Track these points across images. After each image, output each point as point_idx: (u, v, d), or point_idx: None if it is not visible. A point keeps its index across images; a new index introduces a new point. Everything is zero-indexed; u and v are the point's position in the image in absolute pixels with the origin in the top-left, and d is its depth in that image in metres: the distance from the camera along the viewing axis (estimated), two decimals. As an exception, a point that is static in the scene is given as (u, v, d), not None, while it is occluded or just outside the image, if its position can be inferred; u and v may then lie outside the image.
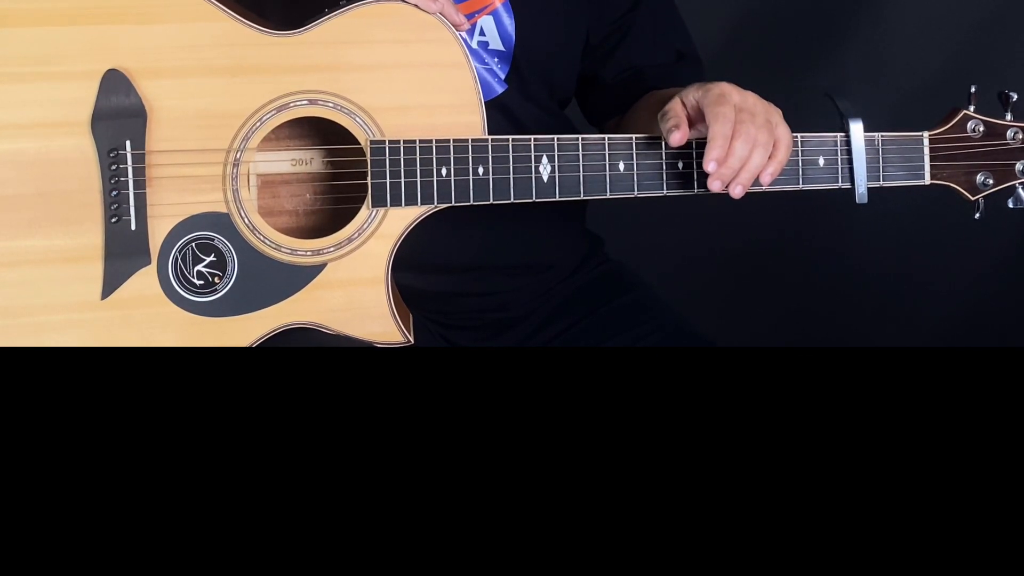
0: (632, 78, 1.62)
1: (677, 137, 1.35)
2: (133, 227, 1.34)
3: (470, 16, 1.51)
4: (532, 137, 1.39)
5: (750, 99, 1.35)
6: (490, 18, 1.54)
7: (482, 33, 1.54)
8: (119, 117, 1.32)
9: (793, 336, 2.52)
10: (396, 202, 1.37)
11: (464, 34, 1.42)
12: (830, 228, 2.51)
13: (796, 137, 1.40)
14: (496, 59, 1.55)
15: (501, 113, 1.52)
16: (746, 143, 1.33)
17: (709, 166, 1.33)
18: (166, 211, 1.35)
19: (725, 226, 2.48)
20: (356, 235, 1.38)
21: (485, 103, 1.40)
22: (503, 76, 1.55)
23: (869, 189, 1.42)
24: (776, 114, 1.37)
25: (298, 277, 1.38)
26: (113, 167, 1.33)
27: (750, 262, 2.57)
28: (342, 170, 1.42)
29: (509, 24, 1.55)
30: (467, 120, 1.38)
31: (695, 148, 1.39)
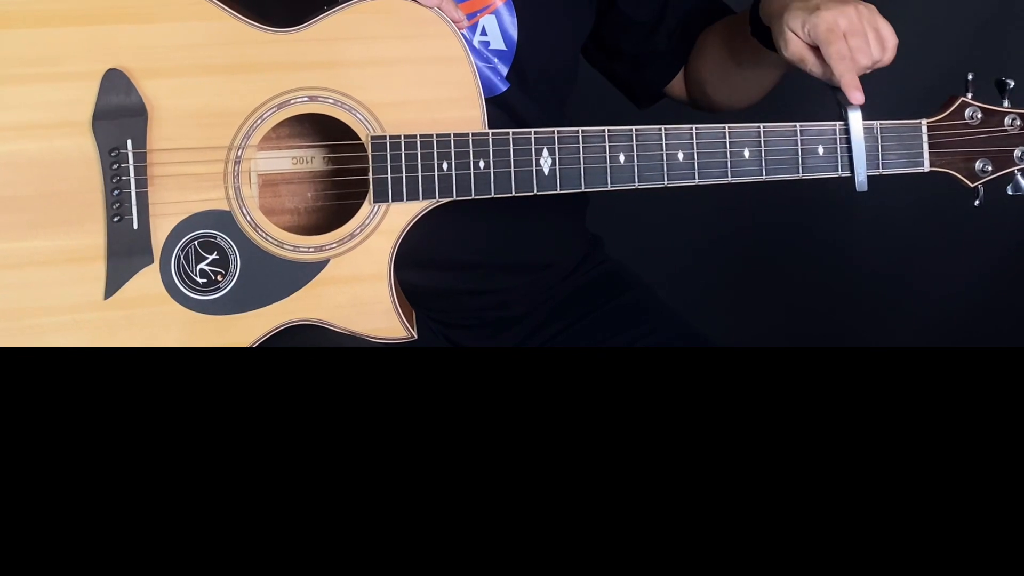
0: (683, 28, 1.66)
1: (861, 97, 1.42)
2: (135, 226, 1.34)
3: (472, 16, 1.52)
4: (532, 130, 1.39)
5: (852, 17, 1.41)
6: (492, 17, 1.55)
7: (484, 32, 1.55)
8: (120, 116, 1.32)
9: (793, 336, 2.52)
10: (398, 197, 1.37)
11: (466, 32, 1.43)
12: (830, 228, 2.52)
13: (795, 126, 1.42)
14: (498, 58, 1.55)
15: (503, 111, 1.53)
16: (867, 63, 1.42)
17: (858, 98, 1.41)
18: (168, 209, 1.35)
19: (725, 227, 2.49)
20: (358, 231, 1.38)
21: (487, 101, 1.40)
22: (504, 75, 1.56)
23: (869, 177, 1.43)
24: (874, 16, 1.43)
25: (301, 274, 1.38)
26: (114, 166, 1.33)
27: (750, 262, 2.57)
28: (343, 167, 1.42)
29: (511, 23, 1.55)
30: (467, 114, 1.38)
31: (695, 139, 1.40)
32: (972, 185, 1.46)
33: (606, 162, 1.40)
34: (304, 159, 1.45)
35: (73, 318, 1.34)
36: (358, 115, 1.37)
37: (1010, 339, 2.46)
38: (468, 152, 1.38)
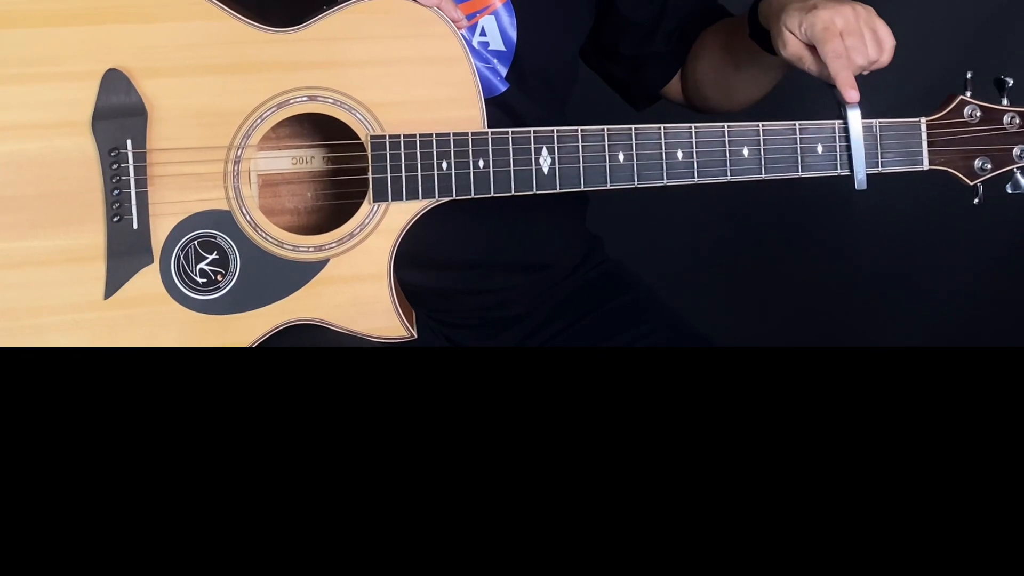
0: (681, 31, 1.66)
1: (856, 95, 1.42)
2: (135, 226, 1.34)
3: (471, 16, 1.52)
4: (532, 129, 1.39)
5: (848, 16, 1.41)
6: (491, 18, 1.55)
7: (483, 33, 1.55)
8: (120, 116, 1.33)
9: (793, 336, 2.52)
10: (397, 196, 1.38)
11: (465, 33, 1.43)
12: (830, 228, 2.52)
13: (795, 125, 1.42)
14: (497, 59, 1.56)
15: (502, 111, 1.53)
16: (863, 63, 1.42)
17: (853, 96, 1.42)
18: (168, 209, 1.35)
19: (725, 227, 2.49)
20: (358, 230, 1.38)
21: (487, 102, 1.40)
22: (504, 75, 1.56)
23: (868, 176, 1.43)
24: (872, 17, 1.43)
25: (301, 273, 1.38)
26: (114, 166, 1.33)
27: (749, 262, 2.57)
28: (343, 166, 1.42)
29: (510, 24, 1.56)
30: (467, 114, 1.38)
31: (694, 138, 1.40)
32: (971, 183, 1.46)
33: (605, 161, 1.40)
34: (304, 159, 1.45)
35: (73, 318, 1.34)
36: (357, 115, 1.37)
37: (1010, 339, 2.46)
38: (467, 152, 1.38)
